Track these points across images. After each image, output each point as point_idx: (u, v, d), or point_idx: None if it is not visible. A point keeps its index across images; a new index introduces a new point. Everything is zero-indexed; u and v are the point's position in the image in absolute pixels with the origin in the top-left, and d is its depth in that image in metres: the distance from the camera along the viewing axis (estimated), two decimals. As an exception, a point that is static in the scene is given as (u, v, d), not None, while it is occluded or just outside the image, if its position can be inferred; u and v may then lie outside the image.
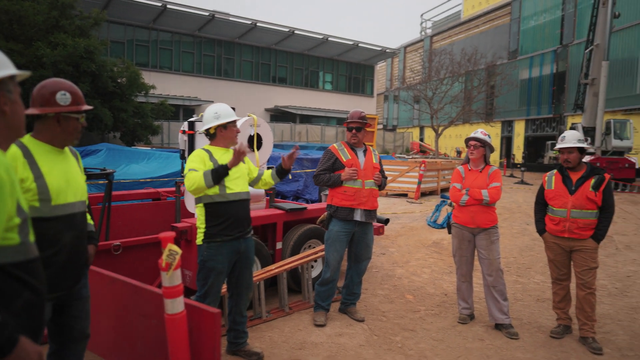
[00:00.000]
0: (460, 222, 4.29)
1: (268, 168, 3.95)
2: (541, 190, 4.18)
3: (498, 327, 4.17)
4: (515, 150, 34.23)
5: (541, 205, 4.18)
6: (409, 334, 4.05)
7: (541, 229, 4.15)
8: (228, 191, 3.24)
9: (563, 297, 4.12)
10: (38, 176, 2.14)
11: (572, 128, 19.89)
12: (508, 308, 4.20)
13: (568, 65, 29.86)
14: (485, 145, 4.29)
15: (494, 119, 33.30)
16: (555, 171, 4.12)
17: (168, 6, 26.26)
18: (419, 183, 13.80)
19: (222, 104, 3.43)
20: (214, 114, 3.33)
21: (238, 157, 3.12)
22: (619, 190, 16.65)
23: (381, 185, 4.29)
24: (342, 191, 4.14)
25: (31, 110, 2.18)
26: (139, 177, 7.83)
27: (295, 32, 31.16)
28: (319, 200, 7.36)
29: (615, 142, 18.64)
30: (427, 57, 35.09)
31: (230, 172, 3.26)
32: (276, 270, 4.36)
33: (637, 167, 17.89)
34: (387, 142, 34.82)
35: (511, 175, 22.75)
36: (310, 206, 5.25)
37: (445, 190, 15.00)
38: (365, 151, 4.32)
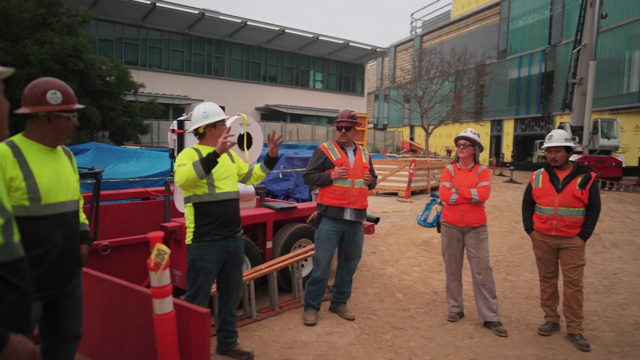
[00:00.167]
0: (450, 220, 4.32)
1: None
2: (529, 189, 4.22)
3: (487, 324, 4.20)
4: (505, 149, 34.48)
5: (529, 203, 4.22)
6: (399, 333, 4.07)
7: (529, 227, 4.19)
8: (217, 190, 3.22)
9: (551, 295, 4.16)
10: (28, 175, 2.15)
11: (560, 127, 20.10)
12: (497, 306, 4.24)
13: (556, 65, 30.15)
14: (474, 144, 4.32)
15: (483, 118, 33.55)
16: (542, 170, 4.16)
17: (157, 4, 26.04)
18: (409, 182, 13.85)
19: (211, 103, 3.41)
20: (203, 113, 3.31)
21: (225, 143, 3.06)
22: (606, 188, 16.85)
23: (371, 185, 4.30)
24: (331, 190, 4.15)
25: (22, 110, 2.20)
26: (128, 177, 7.76)
27: (286, 31, 31.08)
28: (310, 200, 7.36)
29: (603, 141, 18.85)
30: (417, 56, 35.22)
31: (220, 172, 3.25)
32: (266, 270, 4.35)
33: (623, 165, 18.11)
34: (377, 141, 34.90)
35: (500, 174, 22.90)
36: (300, 205, 5.25)
37: (435, 189, 15.06)
38: (355, 150, 4.32)
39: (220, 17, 28.96)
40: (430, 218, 9.72)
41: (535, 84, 32.21)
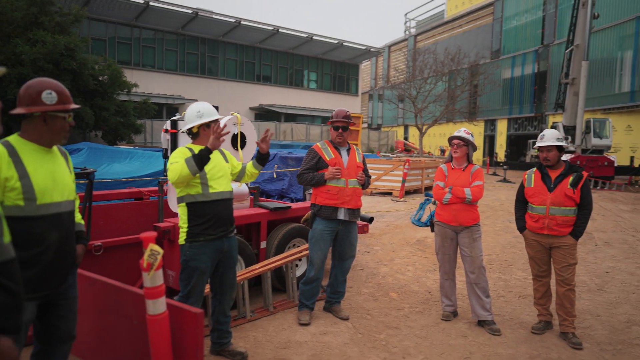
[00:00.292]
0: (443, 220, 4.33)
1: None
2: (521, 188, 4.24)
3: (481, 323, 4.22)
4: (498, 148, 34.66)
5: (521, 202, 4.24)
6: (393, 332, 4.08)
7: (521, 227, 4.21)
8: (211, 190, 3.21)
9: (544, 294, 4.19)
10: (23, 175, 2.15)
11: (553, 127, 20.23)
12: (490, 305, 4.25)
13: (549, 65, 30.33)
14: (468, 144, 4.33)
15: (477, 118, 33.69)
16: (534, 169, 4.19)
17: (151, 3, 25.91)
18: (403, 181, 13.89)
19: (204, 103, 3.40)
20: (197, 112, 3.30)
21: (217, 138, 3.06)
22: (598, 187, 16.99)
23: (364, 185, 4.31)
24: (325, 190, 4.15)
25: (18, 110, 2.21)
26: (121, 177, 7.72)
27: (280, 30, 31.05)
28: (304, 199, 7.36)
29: (595, 141, 18.99)
30: (411, 56, 35.30)
31: (213, 171, 3.24)
32: (260, 270, 4.35)
33: (615, 165, 18.26)
34: (371, 141, 34.97)
35: (494, 174, 23.02)
36: (294, 205, 5.24)
37: (429, 188, 15.11)
38: (348, 150, 4.32)
39: (214, 16, 28.86)
40: (424, 217, 9.73)
41: (528, 83, 32.39)
